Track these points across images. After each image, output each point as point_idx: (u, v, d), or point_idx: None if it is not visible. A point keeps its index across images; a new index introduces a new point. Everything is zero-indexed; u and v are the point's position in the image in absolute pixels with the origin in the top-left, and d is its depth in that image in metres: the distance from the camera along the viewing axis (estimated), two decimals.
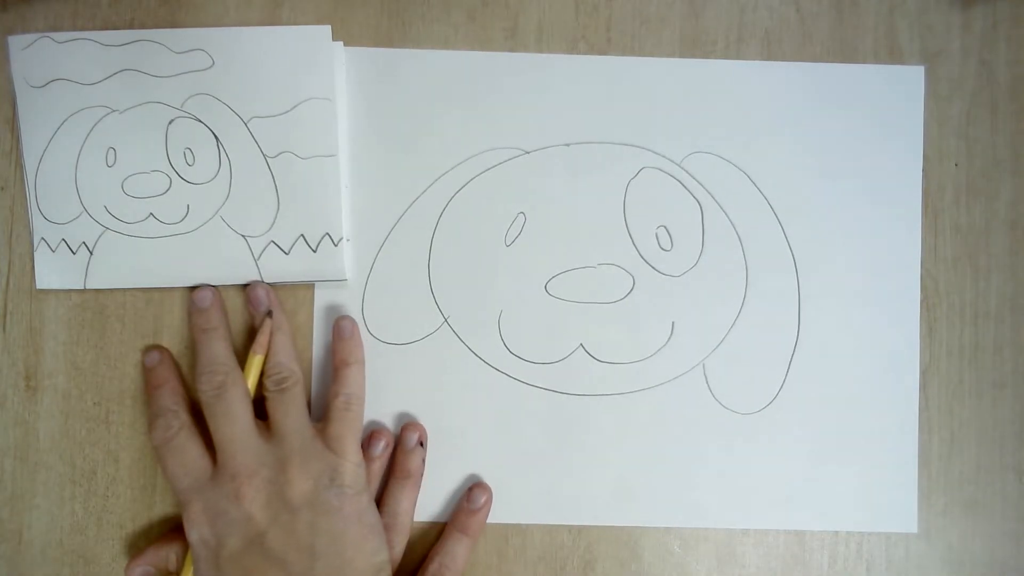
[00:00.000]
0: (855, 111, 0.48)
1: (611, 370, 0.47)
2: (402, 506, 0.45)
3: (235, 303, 0.48)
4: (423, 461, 0.46)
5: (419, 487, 0.46)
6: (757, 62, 0.48)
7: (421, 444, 0.46)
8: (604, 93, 0.48)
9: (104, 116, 0.47)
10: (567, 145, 0.48)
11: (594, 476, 0.47)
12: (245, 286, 0.47)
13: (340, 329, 0.46)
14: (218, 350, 0.45)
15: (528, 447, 0.47)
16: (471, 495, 0.46)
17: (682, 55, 0.48)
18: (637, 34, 0.49)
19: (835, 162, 0.48)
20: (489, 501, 0.47)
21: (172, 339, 0.47)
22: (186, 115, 0.47)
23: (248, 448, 0.43)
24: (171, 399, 0.45)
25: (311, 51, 0.47)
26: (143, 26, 0.48)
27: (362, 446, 0.46)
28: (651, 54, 0.48)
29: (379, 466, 0.46)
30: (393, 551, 0.44)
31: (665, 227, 0.48)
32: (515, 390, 0.47)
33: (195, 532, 0.42)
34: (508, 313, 0.47)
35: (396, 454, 0.46)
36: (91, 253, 0.47)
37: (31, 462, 0.47)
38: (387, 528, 0.45)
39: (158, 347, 0.47)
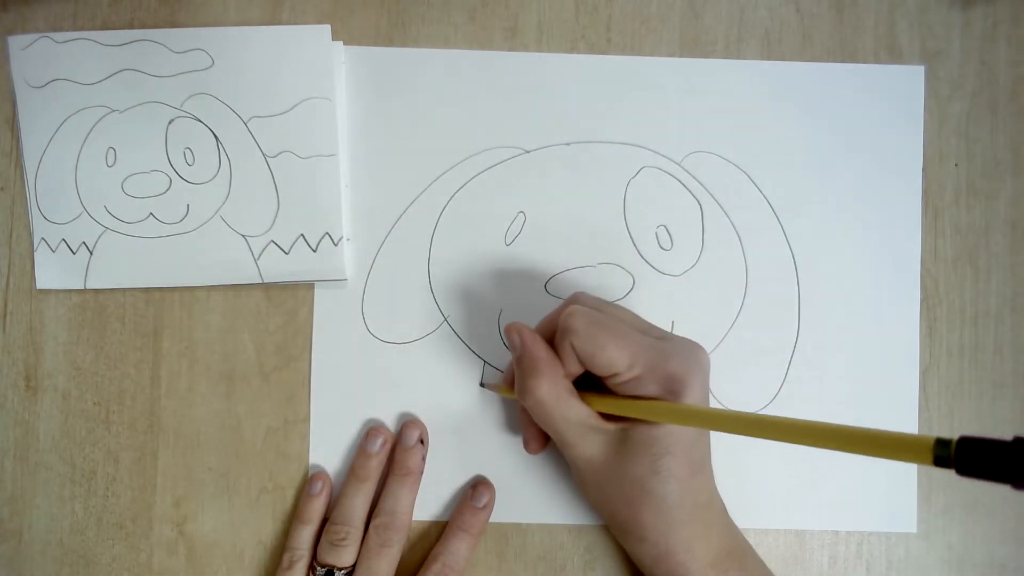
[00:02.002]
0: (855, 111, 0.48)
1: None
2: (401, 504, 0.45)
3: (236, 304, 0.48)
4: (423, 459, 0.46)
5: (418, 485, 0.46)
6: (757, 62, 0.48)
7: (422, 442, 0.46)
8: (604, 93, 0.48)
9: (104, 116, 0.47)
10: (567, 144, 0.48)
11: None
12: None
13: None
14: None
15: None
16: (475, 493, 0.46)
17: (682, 55, 0.49)
18: (637, 34, 0.49)
19: (835, 162, 0.48)
20: (492, 499, 0.47)
21: (172, 339, 0.47)
22: (186, 115, 0.47)
23: None
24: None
25: (311, 51, 0.47)
26: (143, 26, 0.48)
27: (360, 443, 0.46)
28: (651, 54, 0.48)
29: (377, 463, 0.46)
30: (391, 550, 0.45)
31: (665, 226, 0.48)
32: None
33: None
34: (508, 312, 0.47)
35: (396, 451, 0.46)
36: (91, 253, 0.47)
37: (31, 462, 0.47)
38: (385, 527, 0.45)
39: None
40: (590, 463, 0.40)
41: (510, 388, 0.43)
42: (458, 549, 0.45)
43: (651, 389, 0.38)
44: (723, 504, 0.43)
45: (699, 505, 0.40)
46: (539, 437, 0.44)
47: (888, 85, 0.48)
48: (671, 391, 0.38)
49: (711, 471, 0.42)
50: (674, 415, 0.37)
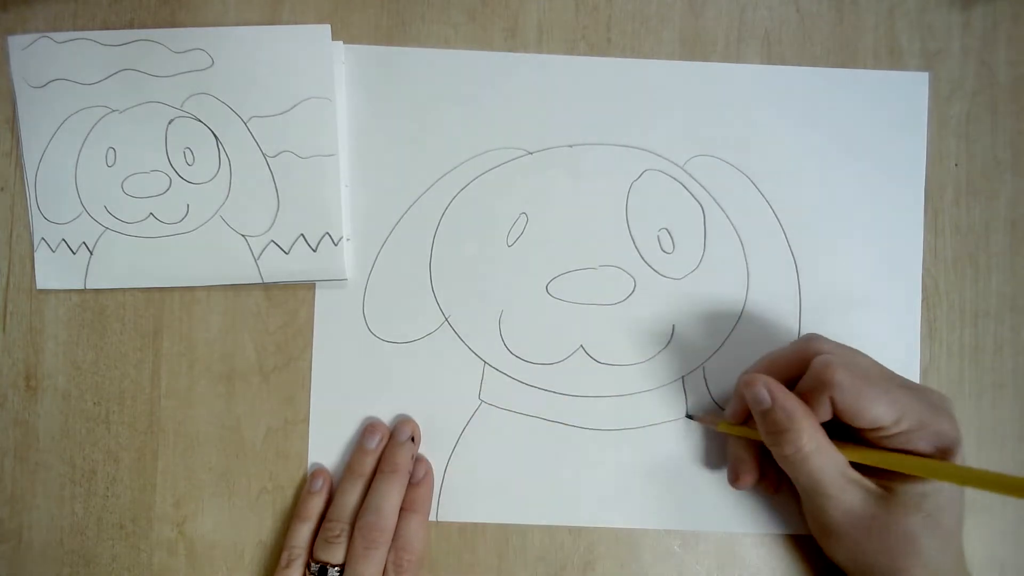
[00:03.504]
0: (858, 116, 0.48)
1: (611, 372, 0.47)
2: (388, 502, 0.44)
3: (236, 304, 0.48)
4: (412, 457, 0.46)
5: (406, 483, 0.46)
6: (761, 66, 0.48)
7: (412, 439, 0.46)
8: (608, 95, 0.48)
9: (104, 116, 0.47)
10: (570, 146, 0.48)
11: (594, 477, 0.47)
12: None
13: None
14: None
15: (528, 447, 0.47)
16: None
17: (682, 55, 0.48)
18: (637, 34, 0.49)
19: (837, 166, 0.48)
20: (429, 472, 0.47)
21: (172, 339, 0.47)
22: (186, 115, 0.47)
23: None
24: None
25: (311, 50, 0.47)
26: (143, 26, 0.48)
27: (358, 438, 0.47)
28: (651, 54, 0.48)
29: (373, 459, 0.46)
30: (377, 552, 0.44)
31: (667, 229, 0.48)
32: (514, 390, 0.47)
33: None
34: (509, 313, 0.47)
35: (386, 448, 0.46)
36: (91, 253, 0.47)
37: (31, 462, 0.47)
38: (370, 527, 0.44)
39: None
40: (849, 514, 0.40)
41: (717, 421, 0.44)
42: (407, 531, 0.45)
43: (919, 445, 0.38)
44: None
45: (960, 564, 0.40)
46: (753, 471, 0.44)
47: (892, 91, 0.48)
48: (941, 448, 0.38)
49: None
50: (955, 475, 0.36)
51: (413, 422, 0.47)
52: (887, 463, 0.39)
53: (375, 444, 0.46)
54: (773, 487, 0.45)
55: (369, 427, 0.46)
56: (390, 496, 0.45)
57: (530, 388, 0.47)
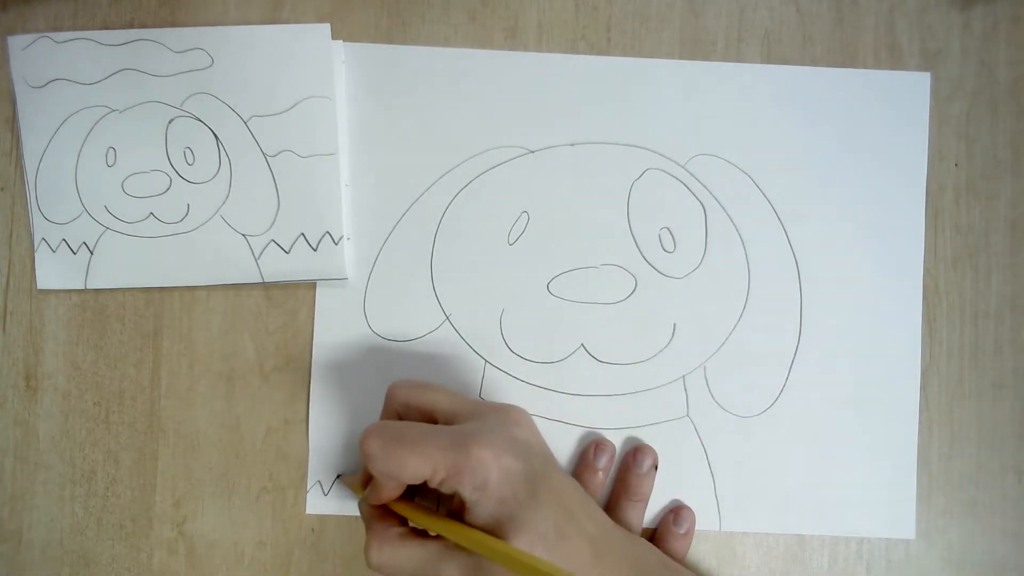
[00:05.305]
0: (860, 116, 0.48)
1: (612, 371, 0.47)
2: (634, 525, 0.46)
3: (236, 304, 0.48)
4: (653, 482, 0.47)
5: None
6: (763, 65, 0.48)
7: (655, 468, 0.46)
8: (610, 94, 0.48)
9: (104, 116, 0.47)
10: (572, 145, 0.48)
11: None
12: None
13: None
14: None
15: None
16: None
17: (682, 55, 0.49)
18: (637, 34, 0.49)
19: (839, 166, 0.48)
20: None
21: (172, 339, 0.47)
22: (186, 114, 0.47)
23: None
24: None
25: (311, 49, 0.47)
26: (143, 26, 0.48)
27: (585, 456, 0.46)
28: (651, 54, 0.48)
29: (603, 477, 0.46)
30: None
31: (668, 229, 0.48)
32: (515, 389, 0.47)
33: None
34: (510, 312, 0.47)
35: (629, 476, 0.46)
36: (92, 253, 0.47)
37: (31, 462, 0.47)
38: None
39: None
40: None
41: (362, 487, 0.43)
42: (632, 518, 0.46)
43: (467, 491, 0.37)
44: None
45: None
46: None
47: (893, 91, 0.48)
48: (476, 486, 0.36)
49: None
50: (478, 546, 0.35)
51: (653, 451, 0.47)
52: (430, 527, 0.38)
53: (604, 463, 0.46)
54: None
55: (599, 444, 0.46)
56: (634, 520, 0.46)
57: (531, 387, 0.47)
